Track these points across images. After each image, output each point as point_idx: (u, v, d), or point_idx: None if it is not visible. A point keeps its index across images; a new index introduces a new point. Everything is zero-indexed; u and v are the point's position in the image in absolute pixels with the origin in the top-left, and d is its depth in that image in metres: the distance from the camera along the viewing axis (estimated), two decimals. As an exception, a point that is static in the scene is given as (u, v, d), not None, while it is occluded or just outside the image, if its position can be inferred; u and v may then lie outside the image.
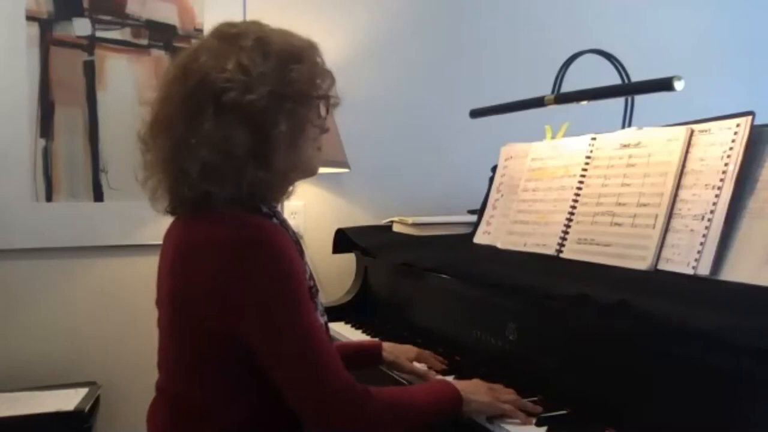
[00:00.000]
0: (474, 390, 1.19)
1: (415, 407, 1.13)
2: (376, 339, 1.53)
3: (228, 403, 1.11)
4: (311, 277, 1.22)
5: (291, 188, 1.25)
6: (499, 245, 1.70)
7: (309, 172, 1.22)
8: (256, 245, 1.05)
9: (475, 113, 1.95)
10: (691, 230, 1.24)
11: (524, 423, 1.14)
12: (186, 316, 1.11)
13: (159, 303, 1.21)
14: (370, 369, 1.48)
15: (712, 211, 1.22)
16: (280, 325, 1.05)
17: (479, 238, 1.82)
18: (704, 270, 1.19)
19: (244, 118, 1.06)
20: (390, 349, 1.48)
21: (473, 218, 1.92)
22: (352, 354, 1.45)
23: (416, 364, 1.44)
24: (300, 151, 1.15)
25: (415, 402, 1.14)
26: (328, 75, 1.18)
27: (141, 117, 1.18)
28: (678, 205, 1.30)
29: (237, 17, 2.13)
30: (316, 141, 1.20)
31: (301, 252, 1.21)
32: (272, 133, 1.09)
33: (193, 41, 1.15)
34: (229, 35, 1.12)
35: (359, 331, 1.77)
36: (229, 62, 1.07)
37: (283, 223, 1.22)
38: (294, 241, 1.19)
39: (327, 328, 1.21)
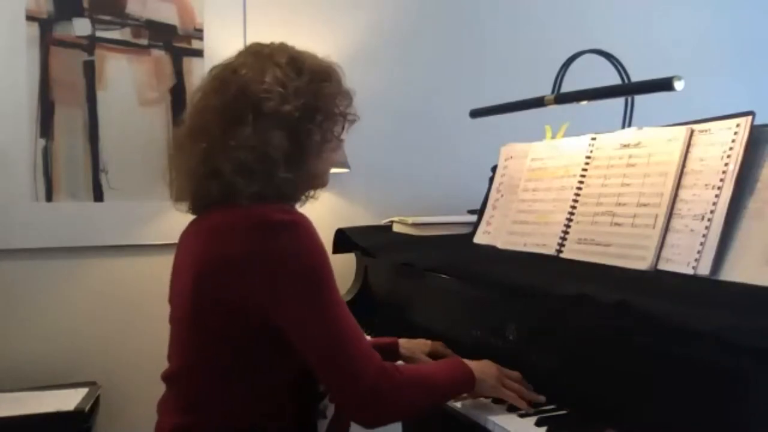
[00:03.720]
0: (485, 371, 1.23)
1: (436, 385, 1.18)
2: (393, 337, 1.54)
3: (241, 388, 1.14)
4: None
5: (311, 193, 1.32)
6: (499, 245, 1.70)
7: (323, 183, 1.31)
8: (290, 225, 1.10)
9: (475, 113, 1.95)
10: (691, 230, 1.24)
11: (525, 410, 1.17)
12: (212, 295, 1.12)
13: (173, 298, 1.25)
14: None
15: (712, 211, 1.22)
16: (317, 300, 1.09)
17: (479, 238, 1.82)
18: (704, 270, 1.19)
19: (281, 125, 1.16)
20: (406, 345, 1.50)
21: (473, 218, 1.91)
22: None
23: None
24: (323, 161, 1.26)
25: (435, 380, 1.19)
26: (348, 94, 1.28)
27: (173, 129, 1.27)
28: (678, 205, 1.30)
29: (237, 17, 2.14)
30: (334, 154, 1.30)
31: None
32: (306, 140, 1.19)
33: (232, 58, 1.24)
34: (263, 53, 1.22)
35: (359, 331, 1.77)
36: (266, 75, 1.17)
37: None
38: None
39: None
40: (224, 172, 1.14)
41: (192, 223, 1.27)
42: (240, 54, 1.24)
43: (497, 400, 1.22)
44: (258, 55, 1.21)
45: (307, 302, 1.09)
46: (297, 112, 1.16)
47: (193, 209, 1.25)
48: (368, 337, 1.70)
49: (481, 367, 1.24)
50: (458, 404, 1.24)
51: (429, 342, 1.51)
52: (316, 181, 1.28)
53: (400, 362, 1.48)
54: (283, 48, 1.24)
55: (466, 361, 1.25)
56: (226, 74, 1.20)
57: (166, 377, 1.23)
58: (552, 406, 1.19)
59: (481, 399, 1.23)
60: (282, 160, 1.16)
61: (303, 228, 1.11)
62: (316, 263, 1.10)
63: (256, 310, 1.10)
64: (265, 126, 1.14)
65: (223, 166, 1.14)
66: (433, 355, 1.48)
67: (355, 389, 1.08)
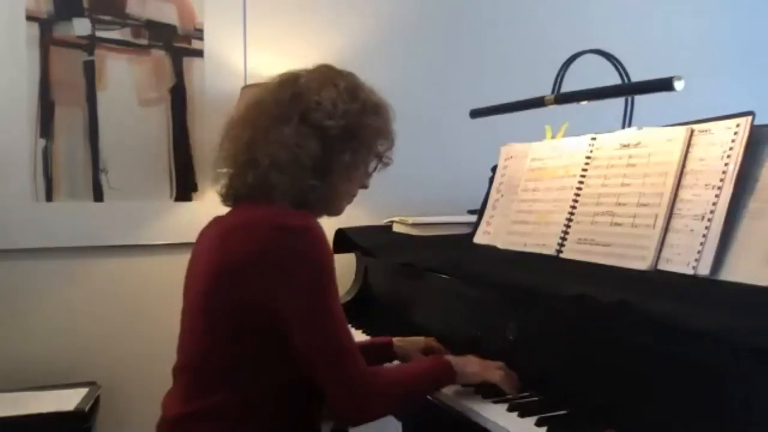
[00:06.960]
0: (465, 362, 1.31)
1: (413, 381, 1.27)
2: (388, 336, 1.57)
3: (247, 382, 1.19)
4: None
5: (322, 214, 1.36)
6: (499, 245, 1.70)
7: (337, 210, 1.38)
8: (303, 229, 1.18)
9: (475, 113, 1.95)
10: (691, 230, 1.24)
11: (511, 393, 1.23)
12: (227, 293, 1.19)
13: (187, 293, 1.31)
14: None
15: (712, 211, 1.22)
16: (316, 305, 1.17)
17: (479, 238, 1.82)
18: (704, 270, 1.19)
19: (319, 136, 1.26)
20: (400, 344, 1.54)
21: (473, 218, 1.91)
22: (364, 350, 1.48)
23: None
24: (345, 185, 1.34)
25: (412, 377, 1.28)
26: (391, 138, 1.39)
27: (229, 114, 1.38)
28: (678, 205, 1.30)
29: (237, 17, 2.15)
30: (357, 185, 1.38)
31: None
32: (336, 157, 1.28)
33: (302, 68, 1.35)
34: (329, 73, 1.33)
35: (359, 331, 1.77)
36: (323, 91, 1.28)
37: None
38: None
39: None
40: (261, 163, 1.23)
41: (214, 221, 1.33)
42: (309, 69, 1.35)
43: (498, 401, 1.22)
44: (324, 73, 1.33)
45: (311, 300, 1.16)
46: (337, 131, 1.26)
47: (225, 197, 1.32)
48: (365, 337, 1.71)
49: (461, 359, 1.31)
50: (459, 405, 1.24)
51: (423, 339, 1.55)
52: (333, 203, 1.35)
53: (396, 362, 1.51)
54: (349, 76, 1.34)
55: (448, 356, 1.34)
56: (290, 79, 1.31)
57: (175, 369, 1.29)
58: (527, 393, 1.23)
59: (482, 399, 1.23)
60: (310, 167, 1.25)
61: (317, 234, 1.19)
62: (324, 268, 1.18)
63: (265, 307, 1.16)
64: (305, 132, 1.24)
65: (261, 158, 1.23)
66: (427, 352, 1.51)
67: (345, 382, 1.17)
